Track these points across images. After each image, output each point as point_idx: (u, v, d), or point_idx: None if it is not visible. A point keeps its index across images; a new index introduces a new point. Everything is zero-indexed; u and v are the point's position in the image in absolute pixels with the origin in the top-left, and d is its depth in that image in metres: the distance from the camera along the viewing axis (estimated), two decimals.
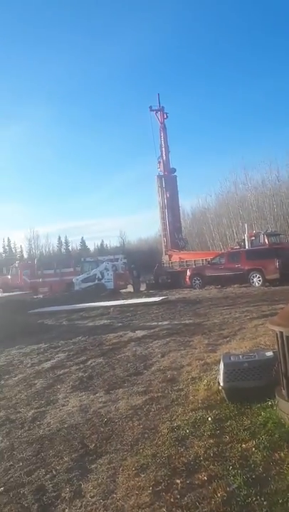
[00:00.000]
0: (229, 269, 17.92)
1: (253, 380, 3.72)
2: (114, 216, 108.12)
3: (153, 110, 28.44)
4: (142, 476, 2.82)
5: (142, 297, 16.69)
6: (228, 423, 3.40)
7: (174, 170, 28.09)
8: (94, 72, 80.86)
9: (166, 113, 28.57)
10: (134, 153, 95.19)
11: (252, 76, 75.65)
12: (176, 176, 28.12)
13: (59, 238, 73.27)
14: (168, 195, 27.21)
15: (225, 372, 3.81)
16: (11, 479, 3.12)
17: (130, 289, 24.52)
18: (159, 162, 27.76)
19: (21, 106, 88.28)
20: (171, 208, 27.50)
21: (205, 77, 78.13)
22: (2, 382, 5.92)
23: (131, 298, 16.88)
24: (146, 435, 3.45)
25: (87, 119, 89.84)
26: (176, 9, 71.63)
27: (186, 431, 3.38)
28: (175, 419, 3.67)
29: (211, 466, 2.79)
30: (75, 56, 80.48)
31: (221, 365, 3.91)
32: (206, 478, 2.66)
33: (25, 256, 62.63)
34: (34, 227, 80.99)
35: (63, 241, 73.63)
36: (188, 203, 58.97)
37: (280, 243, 21.23)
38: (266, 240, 19.90)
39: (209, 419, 3.53)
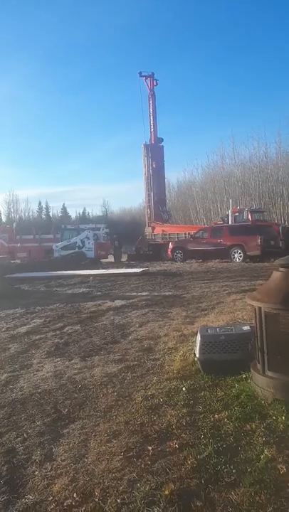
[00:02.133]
0: (211, 244, 18.01)
1: (228, 353, 3.74)
2: (98, 184, 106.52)
3: (143, 76, 27.62)
4: (114, 442, 2.82)
5: (122, 268, 16.65)
6: (202, 394, 3.42)
7: (161, 140, 27.59)
8: (81, 35, 78.28)
9: (156, 80, 27.82)
10: (121, 120, 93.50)
11: (241, 50, 73.75)
12: (163, 146, 27.68)
13: (39, 203, 72.07)
14: (154, 165, 26.80)
15: (202, 344, 3.82)
16: None
17: (111, 259, 24.46)
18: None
19: (2, 65, 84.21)
20: (157, 178, 27.16)
21: (194, 49, 76.12)
22: None
23: (111, 268, 16.83)
24: (120, 402, 3.45)
25: (73, 82, 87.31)
26: None
27: (159, 400, 3.39)
28: (150, 387, 3.68)
29: (183, 435, 2.81)
30: (62, 17, 77.13)
31: (198, 337, 3.92)
32: (177, 446, 2.68)
33: (4, 220, 61.33)
34: (14, 190, 79.35)
35: (44, 206, 72.46)
36: (174, 176, 58.68)
37: (263, 220, 21.38)
38: (250, 217, 19.99)
39: (183, 389, 3.55)
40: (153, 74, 27.62)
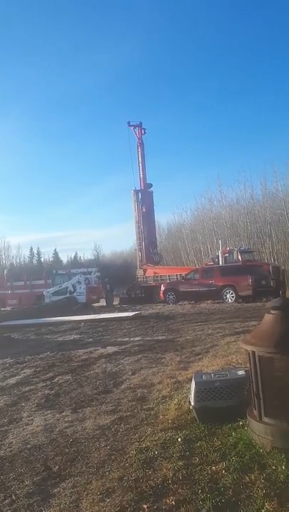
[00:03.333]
0: (203, 285, 18.03)
1: (224, 400, 3.65)
2: (89, 228, 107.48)
3: (131, 125, 28.76)
4: (107, 500, 2.67)
5: (114, 312, 16.49)
6: (198, 444, 3.30)
7: (151, 185, 28.34)
8: (73, 83, 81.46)
9: (144, 129, 28.99)
10: (111, 165, 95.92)
11: (225, 98, 77.50)
12: (152, 192, 28.36)
13: (31, 249, 72.11)
14: (144, 209, 27.35)
15: (196, 392, 3.73)
16: None
17: (103, 303, 24.29)
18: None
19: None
20: (147, 222, 27.63)
21: (184, 92, 79.65)
22: None
23: (103, 312, 16.65)
24: (113, 457, 3.31)
25: (65, 129, 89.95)
26: (157, 23, 73.17)
27: (154, 452, 3.26)
28: (144, 439, 3.54)
29: (180, 490, 2.68)
30: (53, 66, 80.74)
31: (193, 384, 3.83)
32: (174, 502, 2.55)
33: None
34: (5, 237, 79.64)
35: (35, 252, 72.51)
36: (164, 219, 59.53)
37: (253, 260, 21.59)
38: (239, 257, 20.17)
39: (179, 439, 3.42)
40: (141, 123, 28.85)
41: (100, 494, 2.77)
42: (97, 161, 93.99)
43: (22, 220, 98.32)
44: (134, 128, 28.74)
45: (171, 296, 19.40)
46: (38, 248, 72.89)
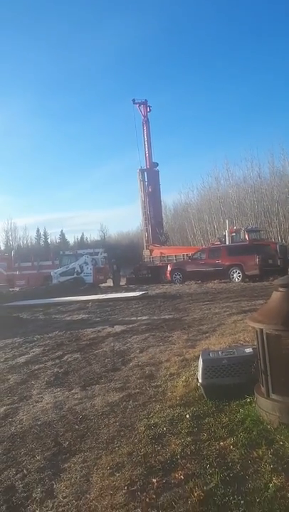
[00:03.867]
0: (209, 265, 17.99)
1: (231, 377, 3.67)
2: (95, 209, 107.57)
3: (136, 103, 28.25)
4: (117, 475, 2.72)
5: (121, 292, 16.57)
6: (206, 420, 3.33)
7: (157, 164, 28.03)
8: (75, 63, 79.91)
9: (150, 106, 28.48)
10: (116, 145, 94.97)
11: (229, 78, 75.61)
12: (158, 171, 28.06)
13: (38, 230, 72.27)
14: (150, 189, 27.12)
15: (204, 369, 3.74)
16: None
17: (110, 283, 24.39)
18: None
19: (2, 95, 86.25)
20: (153, 202, 27.44)
21: (188, 72, 77.93)
22: None
23: (110, 292, 16.73)
24: (122, 433, 3.36)
25: (68, 109, 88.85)
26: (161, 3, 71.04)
27: (163, 428, 3.30)
28: (152, 416, 3.59)
29: (188, 465, 2.71)
30: (55, 46, 79.19)
31: (200, 362, 3.85)
32: (182, 477, 2.59)
33: (2, 248, 61.41)
34: (12, 218, 79.84)
35: (42, 233, 72.67)
36: (170, 199, 59.00)
37: (260, 239, 21.44)
38: (246, 236, 20.03)
39: (187, 416, 3.46)
40: (146, 101, 28.32)
41: (110, 469, 2.82)
42: (102, 141, 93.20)
43: (28, 201, 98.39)
44: (140, 105, 28.24)
45: (177, 276, 19.41)
46: (45, 229, 73.08)
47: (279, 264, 17.66)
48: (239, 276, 17.03)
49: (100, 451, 3.11)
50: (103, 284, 23.50)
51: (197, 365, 4.05)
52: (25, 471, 2.97)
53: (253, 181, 41.07)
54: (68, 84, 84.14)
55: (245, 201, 40.51)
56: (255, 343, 3.40)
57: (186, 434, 3.14)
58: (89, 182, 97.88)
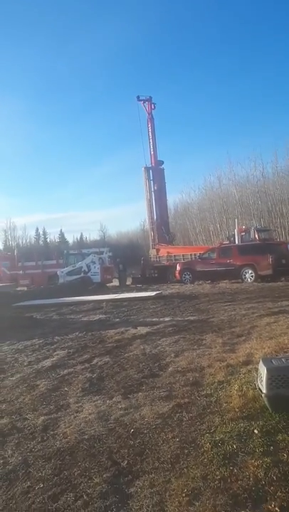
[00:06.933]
0: (220, 265, 17.64)
1: None
2: (94, 209, 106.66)
3: (140, 100, 27.79)
4: (197, 505, 2.37)
5: (133, 291, 16.18)
6: (280, 437, 2.98)
7: (162, 162, 27.58)
8: (76, 61, 79.37)
9: (154, 103, 27.98)
10: (113, 145, 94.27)
11: (233, 75, 75.27)
12: (163, 169, 27.63)
13: (37, 230, 72.04)
14: (156, 187, 26.71)
15: (269, 378, 3.39)
16: (33, 506, 2.61)
17: (116, 283, 24.02)
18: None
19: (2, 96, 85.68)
20: (159, 201, 27.01)
21: (190, 69, 77.50)
22: None
23: (119, 292, 16.34)
24: (186, 450, 3.00)
25: (67, 108, 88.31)
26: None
27: (232, 446, 2.94)
28: (214, 430, 3.23)
29: (279, 493, 2.36)
30: (56, 43, 78.63)
31: (263, 370, 3.49)
32: (277, 509, 2.23)
33: (1, 247, 60.94)
34: (11, 217, 79.39)
35: (41, 233, 72.30)
36: (170, 198, 58.58)
37: (270, 239, 21.11)
38: (256, 236, 19.69)
39: (255, 431, 3.11)
40: (151, 98, 27.85)
41: (186, 496, 2.46)
42: (100, 141, 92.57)
43: (27, 201, 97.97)
44: (144, 102, 27.77)
45: (187, 276, 19.05)
46: (44, 229, 72.74)
47: None
48: (252, 276, 16.69)
49: (167, 473, 2.75)
50: (109, 284, 23.14)
51: (258, 374, 3.69)
52: (85, 497, 2.61)
53: (257, 181, 40.82)
54: (68, 82, 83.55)
55: (249, 200, 40.24)
56: None
57: (262, 454, 2.79)
58: (88, 181, 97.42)
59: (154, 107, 28.10)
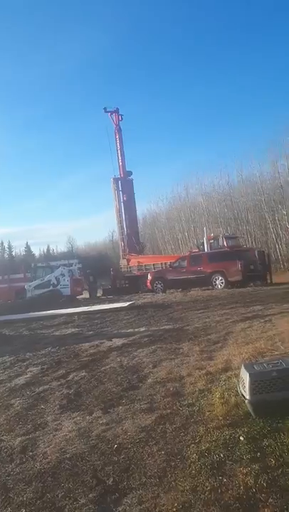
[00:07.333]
0: (191, 272, 17.80)
1: (284, 391, 3.33)
2: (61, 221, 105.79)
3: (108, 111, 27.95)
4: None
5: (105, 303, 16.00)
6: (267, 442, 2.96)
7: (130, 173, 27.73)
8: (45, 71, 78.88)
9: (121, 115, 28.24)
10: (82, 156, 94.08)
11: (195, 84, 77.09)
12: (132, 179, 27.76)
13: (1, 243, 70.47)
14: (125, 198, 26.79)
15: (252, 384, 3.38)
16: None
17: (86, 295, 23.73)
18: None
19: None
20: (128, 211, 27.09)
21: (156, 78, 78.70)
22: None
23: (92, 304, 16.12)
24: (172, 463, 2.93)
25: (33, 119, 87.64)
26: (130, 7, 71.62)
27: (219, 455, 2.90)
28: (200, 440, 3.17)
29: (271, 500, 2.33)
30: (24, 52, 77.88)
31: (245, 375, 3.48)
32: None
33: None
34: None
35: (6, 246, 70.75)
36: (139, 208, 58.82)
37: (238, 245, 21.51)
38: (225, 243, 20.01)
39: (241, 438, 3.08)
40: (118, 109, 28.08)
41: (177, 510, 2.39)
42: (69, 152, 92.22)
43: None
44: (111, 114, 27.94)
45: (158, 285, 19.08)
46: (9, 242, 71.21)
47: (259, 269, 17.74)
48: (222, 282, 16.91)
49: (156, 488, 2.66)
50: (80, 296, 22.81)
51: (238, 380, 3.69)
52: None
53: (223, 189, 41.77)
54: (35, 92, 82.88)
55: (215, 209, 41.05)
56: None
57: (249, 461, 2.76)
58: (52, 194, 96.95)
59: (122, 118, 28.34)
